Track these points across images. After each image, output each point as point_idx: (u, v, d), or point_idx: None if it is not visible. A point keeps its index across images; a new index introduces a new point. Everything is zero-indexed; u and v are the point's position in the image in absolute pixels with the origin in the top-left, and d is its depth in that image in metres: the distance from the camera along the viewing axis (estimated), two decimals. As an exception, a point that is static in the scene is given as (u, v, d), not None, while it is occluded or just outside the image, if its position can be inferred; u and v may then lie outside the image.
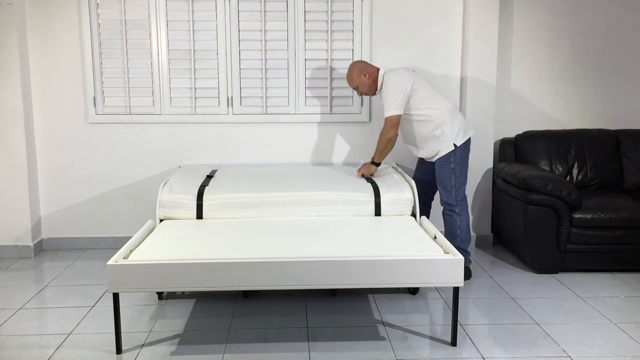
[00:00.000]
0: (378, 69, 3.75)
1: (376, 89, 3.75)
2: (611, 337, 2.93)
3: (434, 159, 3.73)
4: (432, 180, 3.83)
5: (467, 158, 3.73)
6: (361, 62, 3.92)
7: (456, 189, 3.65)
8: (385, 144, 3.66)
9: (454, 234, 3.70)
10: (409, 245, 2.93)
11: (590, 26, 4.57)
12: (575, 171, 4.37)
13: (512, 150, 4.49)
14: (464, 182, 3.69)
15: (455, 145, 3.63)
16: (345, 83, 4.46)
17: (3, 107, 4.19)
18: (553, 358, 2.72)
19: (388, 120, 3.61)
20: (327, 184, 3.70)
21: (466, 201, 3.73)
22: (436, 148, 3.68)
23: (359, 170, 3.86)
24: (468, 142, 3.72)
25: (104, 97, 4.39)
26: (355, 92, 4.07)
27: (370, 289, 3.54)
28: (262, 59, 4.41)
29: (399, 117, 3.61)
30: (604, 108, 4.66)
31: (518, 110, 4.65)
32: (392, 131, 3.62)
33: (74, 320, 3.16)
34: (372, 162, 3.76)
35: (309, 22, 4.38)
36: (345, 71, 4.48)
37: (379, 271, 2.69)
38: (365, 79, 3.73)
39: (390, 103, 3.58)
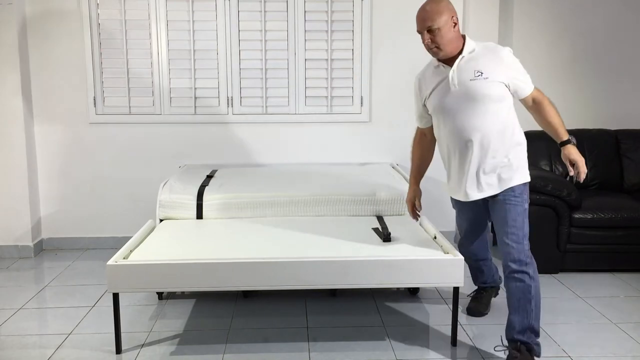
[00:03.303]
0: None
1: (457, 51, 2.55)
2: (611, 337, 2.93)
3: (494, 192, 2.62)
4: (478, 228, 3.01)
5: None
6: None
7: (527, 238, 2.59)
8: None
9: (526, 308, 2.54)
10: (409, 246, 2.93)
11: (590, 26, 4.57)
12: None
13: (512, 150, 4.48)
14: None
15: (527, 176, 2.68)
16: (345, 83, 4.47)
17: (3, 107, 4.19)
18: (553, 358, 2.72)
19: (539, 91, 2.77)
20: (327, 184, 3.70)
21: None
22: (508, 174, 2.62)
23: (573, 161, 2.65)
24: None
25: (104, 97, 4.39)
26: (426, 43, 2.53)
27: (370, 289, 3.54)
28: (262, 59, 4.41)
29: None
30: (604, 108, 4.65)
31: (518, 110, 4.63)
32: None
33: (74, 320, 3.16)
34: (564, 142, 2.71)
35: (309, 22, 4.38)
36: (345, 71, 4.48)
37: (379, 271, 2.69)
38: (452, 27, 2.50)
39: (526, 76, 2.70)
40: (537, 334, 2.57)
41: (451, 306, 2.86)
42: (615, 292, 3.55)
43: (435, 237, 3.07)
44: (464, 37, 2.58)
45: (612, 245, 3.82)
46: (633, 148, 4.40)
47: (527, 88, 2.67)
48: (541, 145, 4.41)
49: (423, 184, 4.52)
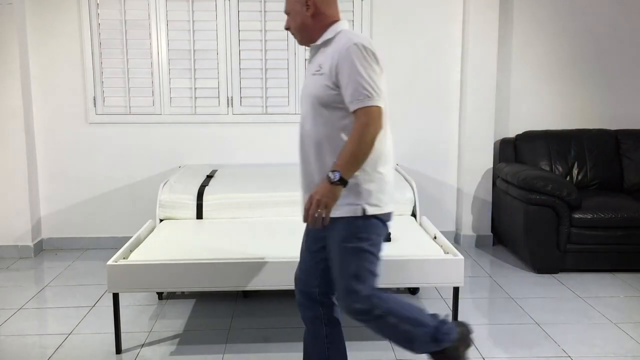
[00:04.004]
0: (336, 19, 2.11)
1: (312, 40, 2.13)
2: (611, 337, 2.93)
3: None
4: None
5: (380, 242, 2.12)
6: None
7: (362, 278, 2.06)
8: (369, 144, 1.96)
9: (399, 340, 2.14)
10: (408, 245, 2.93)
11: (590, 26, 4.57)
12: (575, 171, 4.37)
13: (512, 150, 4.49)
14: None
15: (366, 207, 2.03)
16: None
17: (3, 107, 4.19)
18: (553, 358, 2.72)
19: (369, 110, 1.94)
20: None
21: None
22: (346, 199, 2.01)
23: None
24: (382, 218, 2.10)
25: (104, 97, 4.39)
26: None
27: (370, 289, 3.53)
28: (262, 59, 4.41)
29: (381, 110, 1.98)
30: (604, 108, 4.65)
31: (518, 110, 4.65)
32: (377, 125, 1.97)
33: (74, 320, 3.16)
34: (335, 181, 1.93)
35: (309, 22, 4.37)
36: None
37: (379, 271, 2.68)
38: (303, 11, 2.09)
39: (359, 87, 1.95)
40: (425, 334, 2.10)
41: (451, 306, 2.86)
42: (615, 292, 3.55)
43: (435, 237, 3.07)
44: (335, 23, 2.10)
45: (612, 245, 3.82)
46: (633, 148, 4.40)
47: (351, 102, 1.95)
48: (541, 145, 4.42)
49: (423, 183, 4.54)
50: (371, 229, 2.06)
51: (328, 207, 1.95)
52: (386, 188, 2.07)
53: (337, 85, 2.00)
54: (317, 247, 2.19)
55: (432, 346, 2.13)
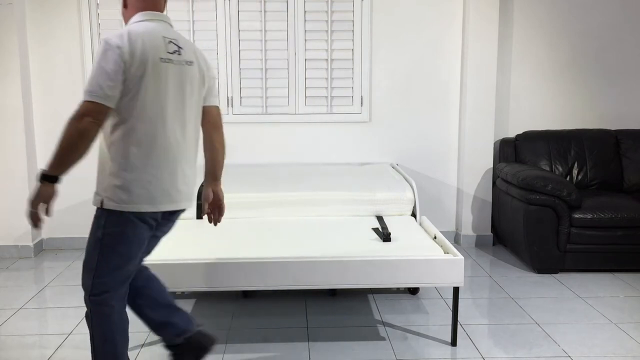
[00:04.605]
0: (141, 11, 2.15)
1: None
2: (611, 337, 2.93)
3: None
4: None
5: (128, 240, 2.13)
6: None
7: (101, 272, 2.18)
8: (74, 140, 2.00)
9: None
10: (408, 245, 2.93)
11: (590, 26, 4.57)
12: (575, 171, 4.37)
13: (512, 150, 4.49)
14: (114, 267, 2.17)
15: (105, 200, 2.10)
16: (345, 83, 4.48)
17: (3, 107, 4.19)
18: (553, 358, 2.72)
19: (82, 105, 1.97)
20: (327, 184, 3.70)
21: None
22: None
23: None
24: (135, 217, 2.11)
25: (104, 97, 4.39)
26: None
27: (370, 289, 3.54)
28: (262, 59, 4.41)
29: (101, 108, 1.98)
30: (604, 108, 4.66)
31: (518, 110, 4.65)
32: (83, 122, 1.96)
33: (74, 320, 3.16)
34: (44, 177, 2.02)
35: (309, 22, 4.38)
36: (345, 71, 4.49)
37: (379, 271, 2.69)
38: (123, 8, 2.23)
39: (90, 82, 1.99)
40: (107, 354, 2.18)
41: (451, 306, 2.86)
42: (615, 292, 3.55)
43: (435, 237, 3.07)
44: (136, 15, 2.15)
45: (612, 245, 3.82)
46: (633, 148, 4.40)
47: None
48: (541, 145, 4.42)
49: (423, 183, 4.54)
50: (113, 223, 2.10)
51: (32, 205, 2.00)
52: (132, 188, 2.08)
53: None
54: None
55: None
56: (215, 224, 2.49)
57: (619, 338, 2.93)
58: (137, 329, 3.03)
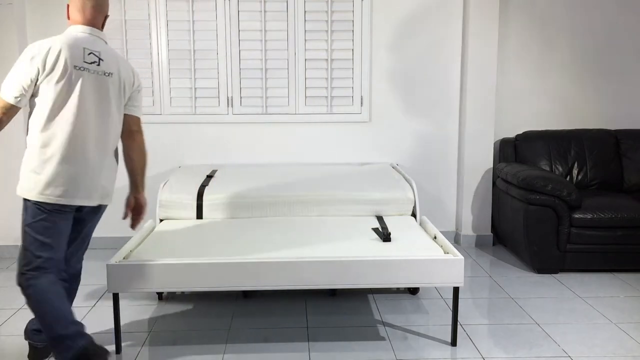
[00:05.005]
0: (74, 24, 2.52)
1: None
2: (611, 337, 2.93)
3: None
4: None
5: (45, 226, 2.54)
6: None
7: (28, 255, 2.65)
8: None
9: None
10: (409, 246, 2.93)
11: (590, 26, 4.57)
12: (575, 171, 4.37)
13: (512, 150, 4.49)
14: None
15: (18, 189, 2.68)
16: (345, 83, 4.48)
17: (3, 107, 4.18)
18: (553, 358, 2.72)
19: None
20: (327, 184, 3.70)
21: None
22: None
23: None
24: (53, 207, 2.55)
25: (104, 97, 4.39)
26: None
27: (370, 289, 3.54)
28: (262, 59, 4.41)
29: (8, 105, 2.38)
30: (604, 108, 4.66)
31: (518, 110, 4.65)
32: None
33: (74, 320, 3.16)
34: None
35: (309, 22, 4.38)
36: (345, 71, 4.49)
37: (379, 271, 2.69)
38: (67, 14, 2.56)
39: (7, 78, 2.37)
40: (49, 337, 2.46)
41: (451, 306, 2.86)
42: (615, 292, 3.55)
43: (435, 237, 3.07)
44: (71, 27, 2.50)
45: (612, 245, 3.82)
46: (633, 148, 4.40)
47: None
48: (541, 145, 4.43)
49: (423, 183, 4.54)
50: (28, 211, 2.55)
51: None
52: (39, 181, 2.53)
53: None
54: None
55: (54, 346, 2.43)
56: (133, 228, 2.79)
57: (619, 338, 2.93)
58: (137, 328, 3.04)
